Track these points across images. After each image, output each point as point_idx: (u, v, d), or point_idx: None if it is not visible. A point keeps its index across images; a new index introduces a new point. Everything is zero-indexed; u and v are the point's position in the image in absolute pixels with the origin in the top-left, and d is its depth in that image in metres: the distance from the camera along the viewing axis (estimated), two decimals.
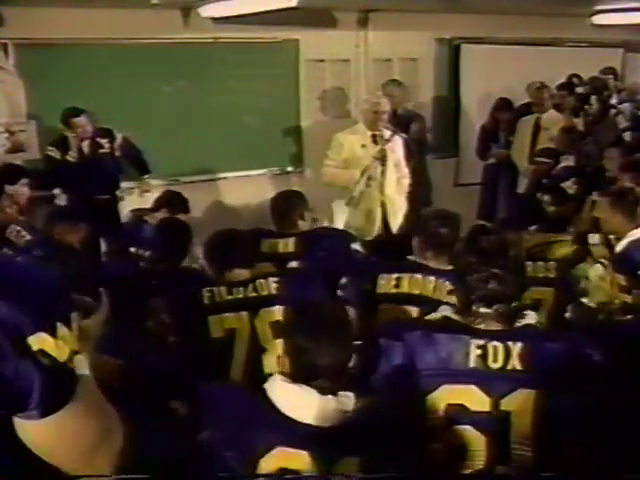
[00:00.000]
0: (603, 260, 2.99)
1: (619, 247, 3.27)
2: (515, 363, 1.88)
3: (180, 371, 2.27)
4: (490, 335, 1.92)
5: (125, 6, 4.86)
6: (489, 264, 1.95)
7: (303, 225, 3.48)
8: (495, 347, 1.89)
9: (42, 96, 4.93)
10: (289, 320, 1.82)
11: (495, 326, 1.95)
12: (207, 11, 5.01)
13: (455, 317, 2.01)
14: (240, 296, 2.62)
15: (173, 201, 4.18)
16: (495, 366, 1.88)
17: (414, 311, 2.71)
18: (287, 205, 3.50)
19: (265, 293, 2.63)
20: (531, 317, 2.01)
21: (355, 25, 6.05)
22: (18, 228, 3.51)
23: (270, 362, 2.48)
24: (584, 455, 1.91)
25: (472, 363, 1.89)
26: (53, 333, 1.04)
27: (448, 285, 2.66)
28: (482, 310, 1.95)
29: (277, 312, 2.57)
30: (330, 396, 1.64)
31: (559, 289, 2.94)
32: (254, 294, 2.63)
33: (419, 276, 2.78)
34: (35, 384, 1.01)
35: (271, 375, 1.78)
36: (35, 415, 1.05)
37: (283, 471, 1.57)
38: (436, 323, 2.06)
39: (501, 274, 1.93)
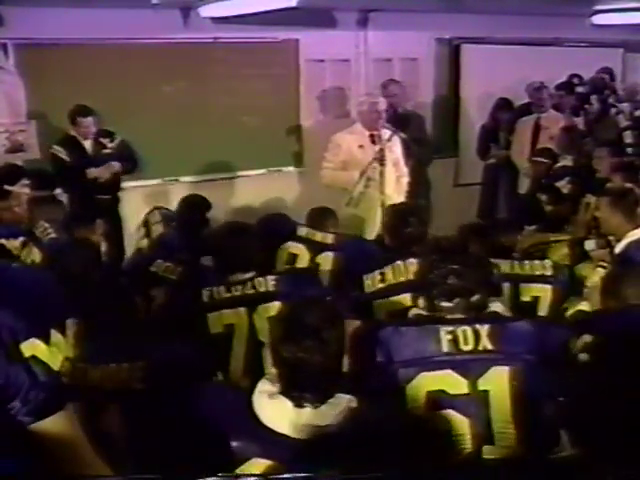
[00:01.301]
0: (603, 263, 2.99)
1: (619, 248, 3.27)
2: (485, 343, 1.97)
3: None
4: (458, 321, 2.01)
5: (125, 6, 4.86)
6: (448, 260, 2.05)
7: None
8: (464, 331, 1.98)
9: (42, 96, 4.93)
10: (274, 328, 1.81)
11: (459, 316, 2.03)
12: (207, 11, 5.01)
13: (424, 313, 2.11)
14: (238, 294, 2.65)
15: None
16: (467, 348, 1.97)
17: (407, 298, 2.76)
18: (321, 218, 3.70)
19: (263, 290, 2.67)
20: (497, 306, 2.12)
21: (355, 25, 6.05)
22: (47, 225, 3.53)
23: (269, 356, 2.49)
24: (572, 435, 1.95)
25: (445, 348, 1.97)
26: (46, 340, 1.04)
27: None
28: (443, 304, 2.04)
29: (275, 307, 2.59)
30: (308, 408, 1.63)
31: (556, 286, 2.96)
32: (252, 291, 2.67)
33: (399, 263, 2.86)
34: (27, 390, 1.01)
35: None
36: (28, 420, 1.05)
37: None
38: (406, 319, 2.18)
39: (460, 269, 2.02)
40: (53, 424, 1.07)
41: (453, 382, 1.95)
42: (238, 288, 2.66)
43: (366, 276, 2.88)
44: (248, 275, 2.70)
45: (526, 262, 3.01)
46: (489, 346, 1.96)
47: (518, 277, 2.95)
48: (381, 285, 2.86)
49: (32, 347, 1.02)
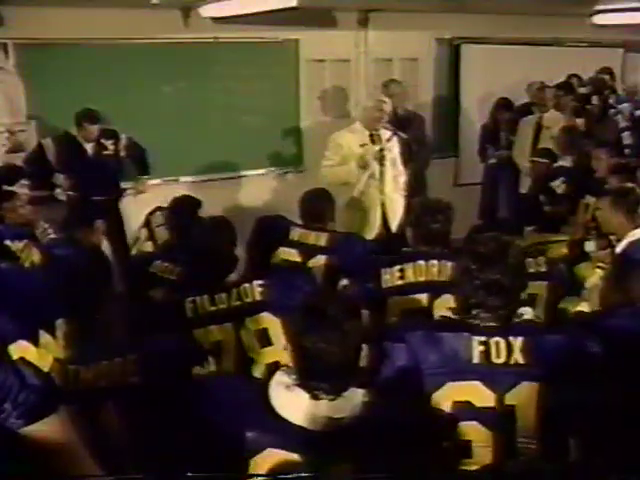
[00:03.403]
0: (601, 264, 2.99)
1: (619, 248, 3.27)
2: (518, 357, 1.90)
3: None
4: (491, 331, 1.94)
5: (125, 6, 4.87)
6: (487, 271, 1.95)
7: (332, 227, 3.51)
8: (497, 342, 1.91)
9: (42, 96, 4.93)
10: (294, 318, 1.79)
11: (494, 325, 1.96)
12: (207, 11, 5.01)
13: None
14: (223, 306, 2.51)
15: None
16: (498, 361, 1.90)
17: (424, 298, 2.74)
18: (319, 205, 3.50)
19: (249, 300, 2.53)
20: (527, 314, 2.03)
21: (355, 25, 6.05)
22: (46, 226, 3.53)
23: (258, 373, 2.42)
24: (586, 447, 1.92)
25: (475, 359, 1.91)
26: (35, 341, 1.02)
27: (450, 265, 2.67)
28: (482, 315, 1.96)
29: (263, 319, 2.49)
30: (324, 401, 1.63)
31: (552, 282, 2.95)
32: (238, 302, 2.53)
33: (422, 262, 2.81)
34: (17, 393, 1.00)
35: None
36: (19, 424, 1.03)
37: (274, 473, 1.57)
38: (437, 323, 2.09)
39: (500, 281, 1.93)
40: (46, 428, 1.05)
41: (480, 394, 1.89)
42: (223, 299, 2.52)
43: (384, 270, 2.82)
44: (233, 279, 2.57)
45: None
46: (521, 360, 1.89)
47: None
48: (399, 282, 2.80)
49: (20, 349, 1.01)
